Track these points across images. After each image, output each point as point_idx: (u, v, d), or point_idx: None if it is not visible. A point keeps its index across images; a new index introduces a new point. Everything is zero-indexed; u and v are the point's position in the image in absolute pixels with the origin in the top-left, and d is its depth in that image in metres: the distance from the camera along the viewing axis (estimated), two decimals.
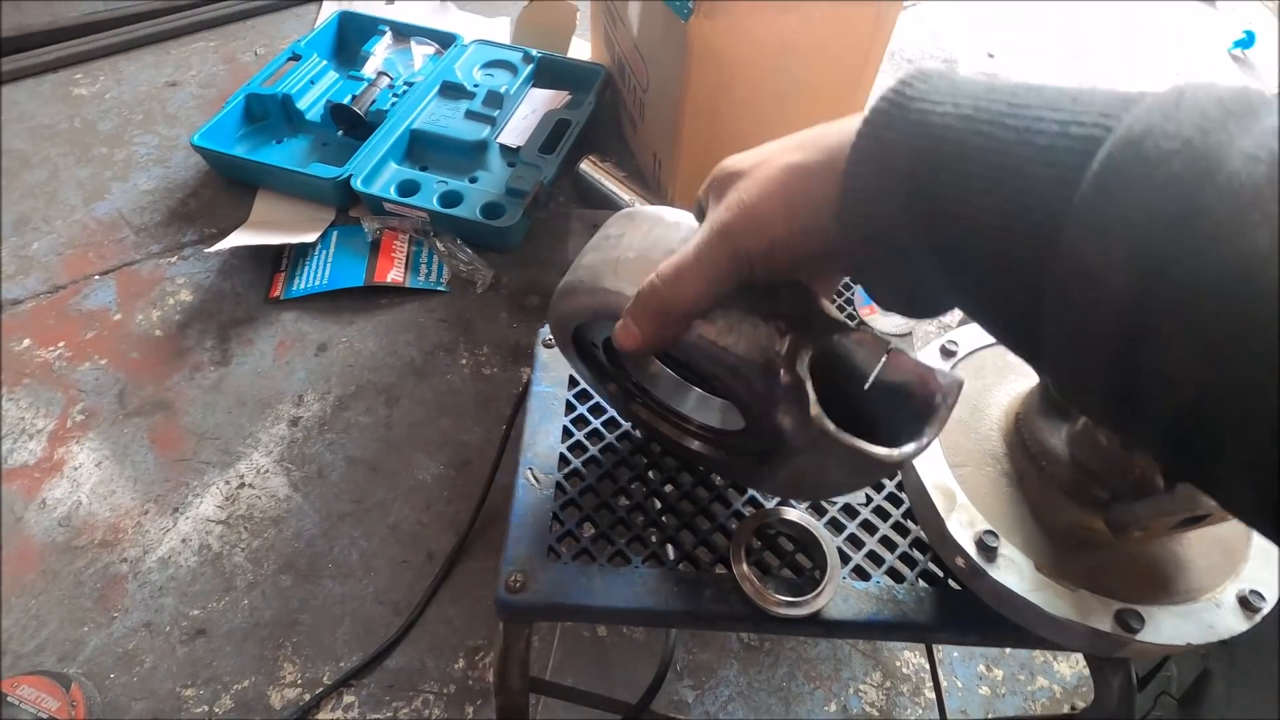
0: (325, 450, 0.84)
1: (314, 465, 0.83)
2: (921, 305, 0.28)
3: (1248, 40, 1.55)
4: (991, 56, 1.49)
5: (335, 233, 1.03)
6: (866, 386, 0.30)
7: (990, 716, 0.53)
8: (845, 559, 0.42)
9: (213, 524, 0.78)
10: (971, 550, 0.35)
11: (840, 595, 0.40)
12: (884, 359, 0.30)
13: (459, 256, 1.01)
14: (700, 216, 0.32)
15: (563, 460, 0.45)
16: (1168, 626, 0.33)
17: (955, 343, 0.43)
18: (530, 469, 0.45)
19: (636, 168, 1.15)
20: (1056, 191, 0.20)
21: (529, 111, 1.18)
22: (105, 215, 1.06)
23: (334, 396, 0.88)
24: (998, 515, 0.36)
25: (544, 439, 0.46)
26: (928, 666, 0.69)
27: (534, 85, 1.23)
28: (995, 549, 0.35)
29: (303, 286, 0.98)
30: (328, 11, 1.40)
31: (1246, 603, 0.34)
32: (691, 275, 0.29)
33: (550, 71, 1.24)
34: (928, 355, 0.43)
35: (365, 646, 0.71)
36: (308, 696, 0.68)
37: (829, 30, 0.90)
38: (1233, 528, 0.36)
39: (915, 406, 0.29)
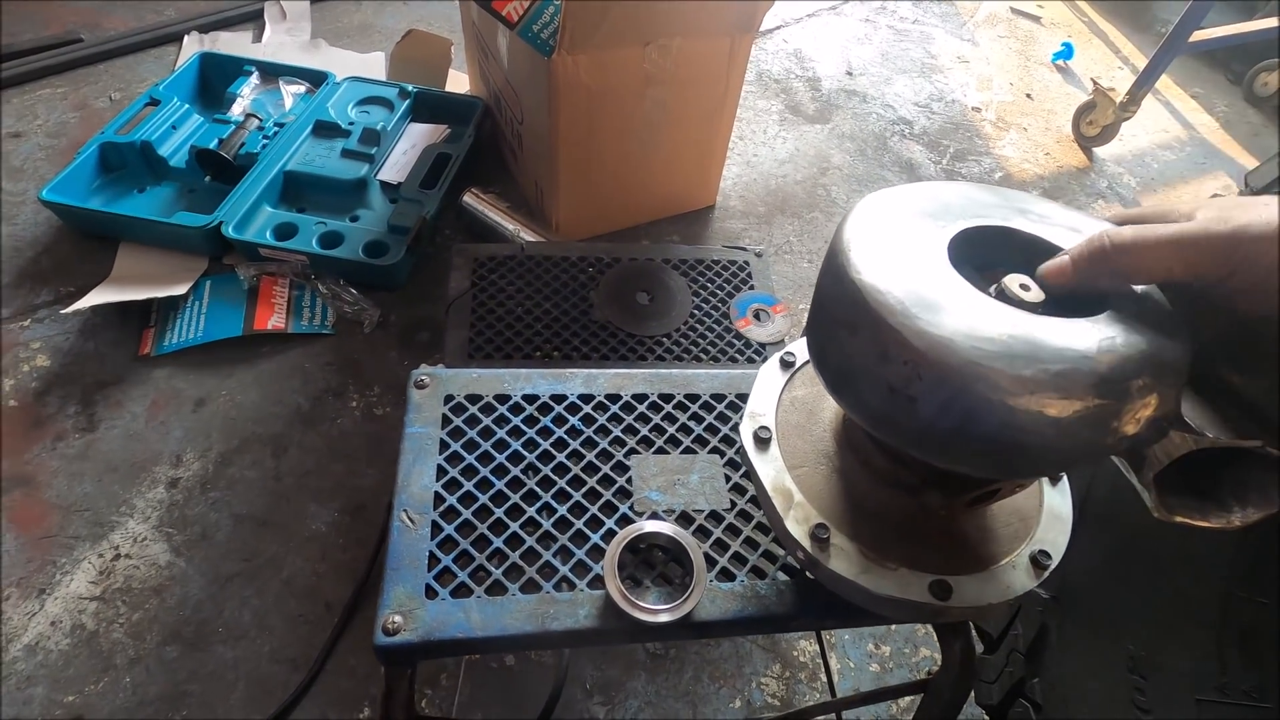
0: (209, 510, 0.81)
1: (197, 527, 0.79)
2: None
3: (1067, 52, 1.74)
4: (850, 74, 1.60)
5: (208, 283, 1.00)
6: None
7: (861, 691, 0.58)
8: (712, 563, 0.45)
9: (86, 601, 0.73)
10: (807, 544, 0.38)
11: (708, 598, 0.43)
12: None
13: (343, 298, 1.00)
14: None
15: (438, 499, 0.46)
16: (972, 590, 0.37)
17: (793, 354, 0.47)
18: (405, 510, 0.46)
19: (520, 197, 1.17)
20: None
21: (408, 147, 1.18)
22: None
23: (216, 453, 0.85)
24: (829, 509, 0.40)
25: (418, 479, 0.47)
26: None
27: (412, 120, 1.23)
28: (827, 539, 0.38)
29: (175, 341, 0.94)
30: (188, 52, 1.35)
31: (1036, 561, 0.39)
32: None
33: (428, 106, 1.25)
34: (769, 366, 0.47)
35: (264, 709, 0.69)
36: None
37: (688, 61, 0.96)
38: (1027, 497, 0.42)
39: None
